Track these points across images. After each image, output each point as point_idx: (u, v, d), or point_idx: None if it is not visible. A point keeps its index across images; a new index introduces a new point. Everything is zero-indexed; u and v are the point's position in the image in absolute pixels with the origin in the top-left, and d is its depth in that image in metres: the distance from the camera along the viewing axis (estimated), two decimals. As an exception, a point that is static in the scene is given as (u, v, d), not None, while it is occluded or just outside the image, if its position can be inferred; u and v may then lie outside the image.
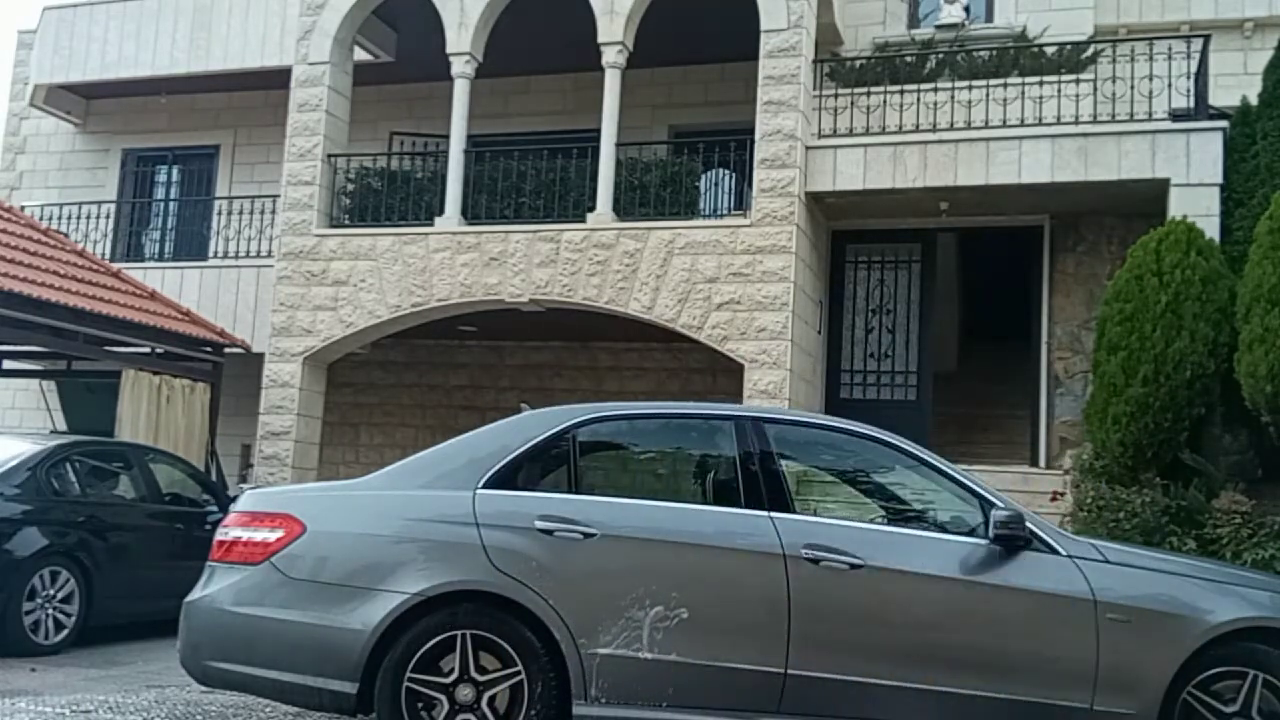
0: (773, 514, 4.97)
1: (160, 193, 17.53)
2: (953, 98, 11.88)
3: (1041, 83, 11.65)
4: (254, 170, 16.44)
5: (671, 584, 4.87)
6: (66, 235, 14.52)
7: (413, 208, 13.25)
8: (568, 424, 5.29)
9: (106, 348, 12.18)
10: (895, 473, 5.49)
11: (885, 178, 11.60)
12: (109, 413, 12.06)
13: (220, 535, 5.22)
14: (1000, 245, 13.81)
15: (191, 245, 16.35)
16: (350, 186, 13.57)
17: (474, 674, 4.81)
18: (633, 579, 4.88)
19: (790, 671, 4.77)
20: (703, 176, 12.99)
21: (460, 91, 12.91)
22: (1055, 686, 4.78)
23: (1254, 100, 10.42)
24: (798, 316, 11.54)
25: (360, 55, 14.28)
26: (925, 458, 5.26)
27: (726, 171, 13.24)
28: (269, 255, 14.21)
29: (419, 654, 4.80)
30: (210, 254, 15.50)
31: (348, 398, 15.41)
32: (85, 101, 17.48)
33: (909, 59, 12.61)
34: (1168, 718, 4.81)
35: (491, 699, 4.80)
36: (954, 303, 15.69)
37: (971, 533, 5.04)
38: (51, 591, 8.28)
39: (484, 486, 5.06)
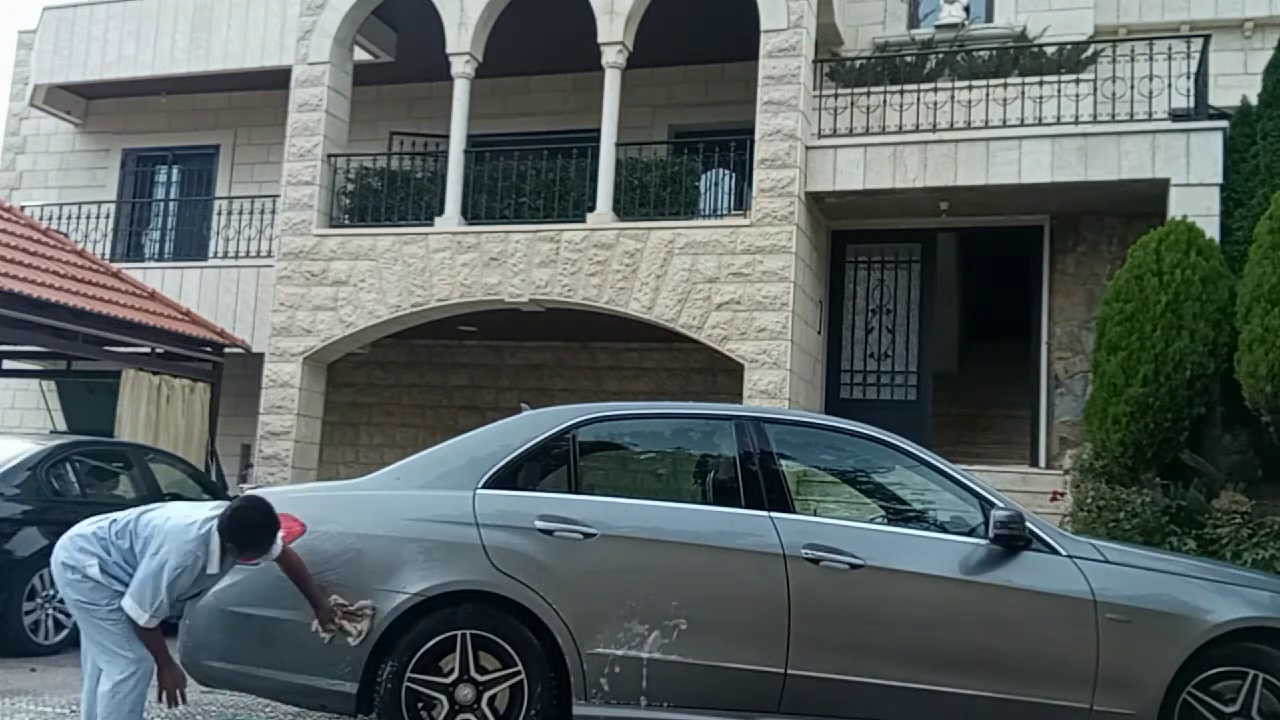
0: (773, 514, 4.98)
1: (160, 193, 17.53)
2: (953, 98, 11.87)
3: (1041, 83, 11.65)
4: (254, 170, 16.44)
5: (671, 584, 4.88)
6: (66, 235, 14.51)
7: (413, 208, 13.25)
8: (568, 424, 5.30)
9: (106, 348, 12.18)
10: (895, 473, 5.49)
11: (885, 178, 11.60)
12: (109, 413, 12.06)
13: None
14: (1000, 245, 13.81)
15: (191, 245, 16.34)
16: (350, 186, 13.57)
17: (474, 674, 4.82)
18: (633, 579, 4.89)
19: (790, 671, 4.78)
20: (703, 176, 12.98)
21: (460, 91, 12.91)
22: (1055, 686, 4.79)
23: (1254, 100, 10.41)
24: (798, 316, 11.54)
25: (360, 55, 14.27)
26: (925, 458, 5.26)
27: (726, 171, 13.23)
28: (269, 255, 14.21)
29: (419, 654, 4.81)
30: (210, 254, 15.49)
31: (348, 398, 15.41)
32: (85, 101, 17.48)
33: (909, 59, 12.61)
34: (1168, 718, 4.82)
35: (491, 699, 4.81)
36: (954, 303, 15.69)
37: (971, 533, 5.05)
38: (51, 591, 8.25)
39: (484, 486, 5.06)
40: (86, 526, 4.74)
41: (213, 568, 4.58)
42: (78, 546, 4.67)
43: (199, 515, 4.62)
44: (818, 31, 12.45)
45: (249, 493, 4.68)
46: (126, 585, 4.57)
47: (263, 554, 4.66)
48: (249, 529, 4.56)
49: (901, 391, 12.79)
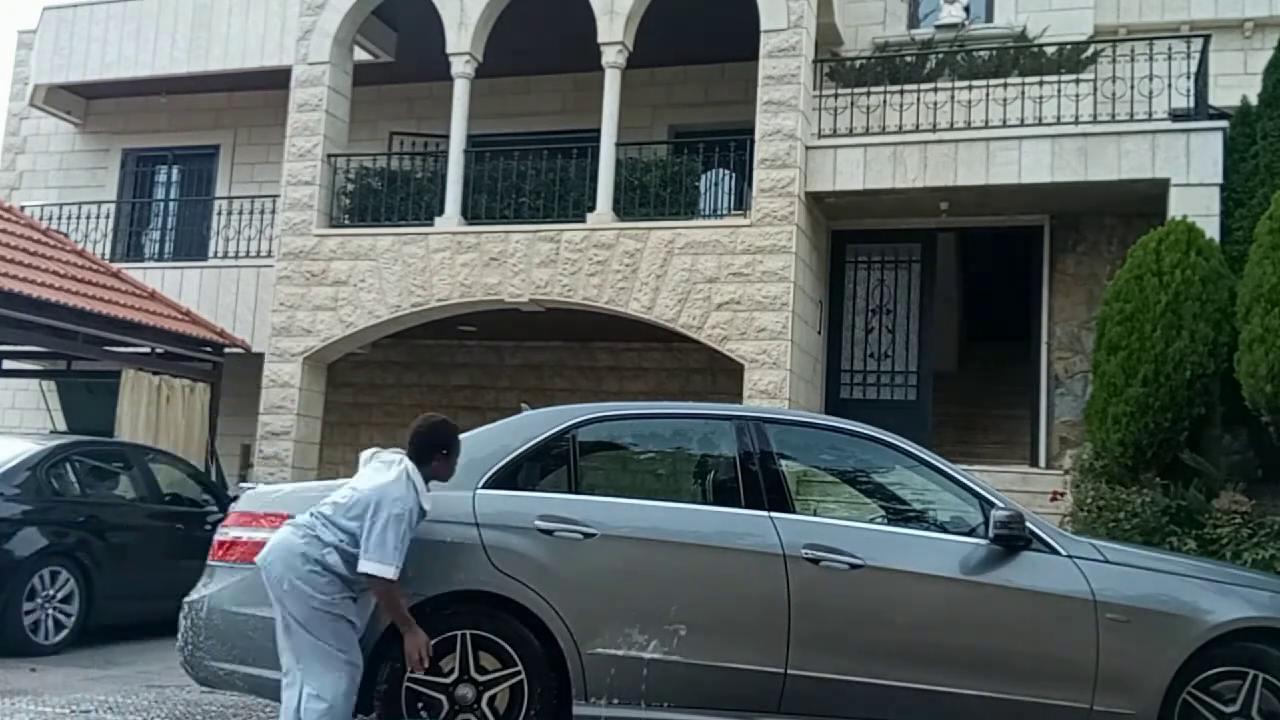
0: (773, 514, 4.98)
1: (160, 193, 17.53)
2: (953, 98, 11.87)
3: (1041, 83, 11.65)
4: (254, 170, 16.44)
5: (671, 584, 4.88)
6: (66, 235, 14.51)
7: (413, 208, 13.24)
8: (568, 424, 5.30)
9: (106, 348, 12.18)
10: (895, 473, 5.49)
11: (885, 178, 11.60)
12: (109, 413, 12.05)
13: (220, 535, 5.23)
14: (1000, 245, 13.80)
15: (191, 245, 16.34)
16: (350, 186, 13.57)
17: (474, 674, 4.82)
18: (633, 579, 4.89)
19: (790, 671, 4.78)
20: (703, 176, 12.98)
21: (460, 91, 12.91)
22: (1055, 686, 4.79)
23: (1254, 100, 10.41)
24: (798, 316, 11.54)
25: (360, 55, 14.27)
26: (925, 458, 5.26)
27: (726, 171, 13.23)
28: (269, 255, 14.21)
29: (419, 654, 4.80)
30: (210, 254, 15.49)
31: (348, 398, 15.40)
32: (85, 101, 17.48)
33: (909, 59, 12.61)
34: (1168, 718, 4.82)
35: (491, 699, 4.81)
36: (954, 303, 15.69)
37: (971, 533, 5.05)
38: (51, 591, 8.28)
39: (484, 486, 5.06)
40: (303, 519, 4.69)
41: (427, 504, 4.73)
42: (310, 537, 4.63)
43: (391, 464, 4.75)
44: (818, 31, 12.45)
45: (422, 415, 4.95)
46: (352, 573, 4.58)
47: (452, 457, 4.84)
48: (428, 441, 4.78)
49: (901, 391, 12.79)
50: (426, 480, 4.77)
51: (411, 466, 4.73)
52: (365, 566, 4.53)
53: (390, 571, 4.52)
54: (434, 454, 4.80)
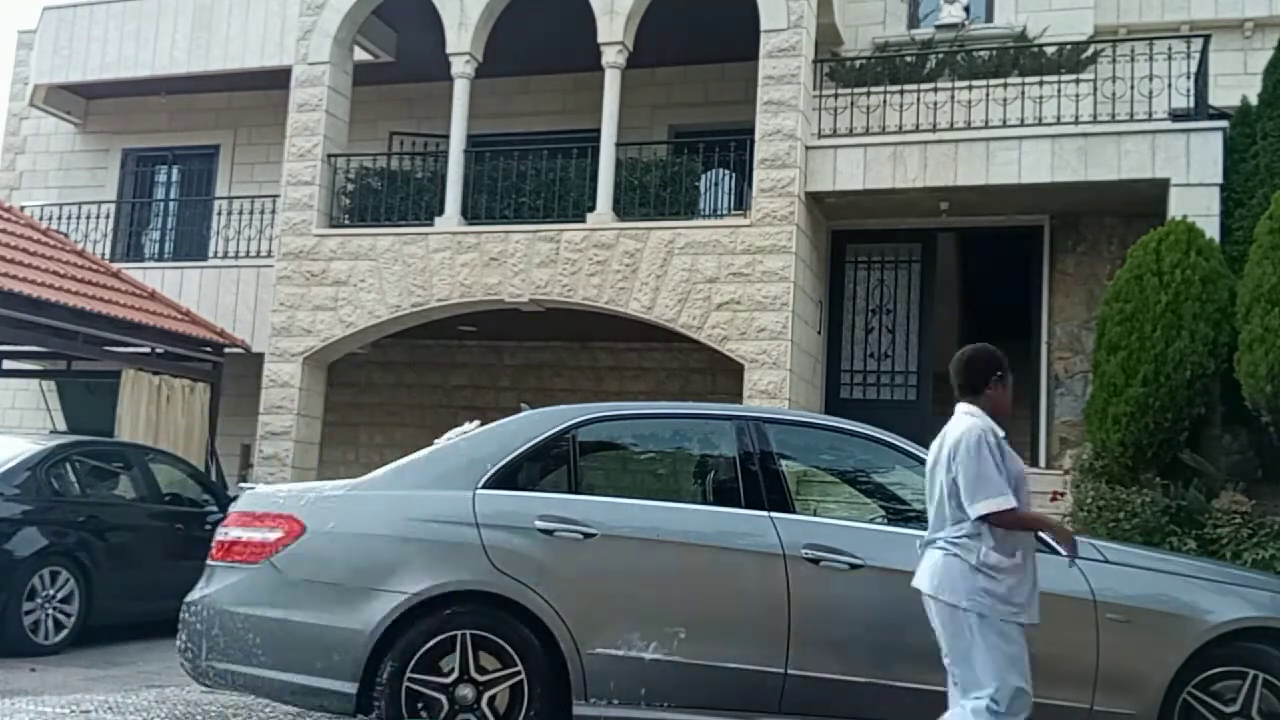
0: (773, 514, 4.98)
1: (160, 193, 17.53)
2: (953, 98, 11.87)
3: (1041, 83, 11.65)
4: (254, 170, 16.43)
5: (672, 584, 4.88)
6: (66, 235, 14.51)
7: (413, 208, 13.25)
8: (568, 424, 5.30)
9: (106, 348, 12.18)
10: (895, 473, 5.49)
11: (885, 178, 11.60)
12: (109, 413, 12.05)
13: (220, 535, 5.23)
14: (1000, 245, 13.80)
15: (191, 245, 16.34)
16: (350, 186, 13.57)
17: (474, 674, 4.82)
18: (633, 579, 4.89)
19: (790, 671, 4.78)
20: (703, 176, 12.99)
21: (460, 91, 12.92)
22: (1055, 686, 4.78)
23: (1254, 100, 10.41)
24: (798, 316, 11.54)
25: (360, 55, 14.28)
26: (925, 457, 5.25)
27: (726, 171, 13.24)
28: (269, 255, 14.21)
29: (419, 654, 4.81)
30: (210, 254, 15.49)
31: (348, 398, 15.40)
32: (85, 101, 17.47)
33: (909, 59, 12.61)
34: (1168, 718, 4.82)
35: (491, 699, 4.81)
36: (954, 303, 15.68)
37: (971, 533, 5.03)
38: (51, 591, 8.28)
39: (484, 486, 5.06)
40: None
41: (1000, 430, 4.34)
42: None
43: (962, 415, 4.43)
44: (818, 31, 12.45)
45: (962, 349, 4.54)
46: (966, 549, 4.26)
47: (1008, 379, 4.45)
48: (974, 368, 4.46)
49: (901, 391, 12.79)
50: (989, 414, 4.38)
51: (964, 406, 4.41)
52: (973, 509, 4.17)
53: (993, 503, 4.13)
54: (986, 382, 4.43)
